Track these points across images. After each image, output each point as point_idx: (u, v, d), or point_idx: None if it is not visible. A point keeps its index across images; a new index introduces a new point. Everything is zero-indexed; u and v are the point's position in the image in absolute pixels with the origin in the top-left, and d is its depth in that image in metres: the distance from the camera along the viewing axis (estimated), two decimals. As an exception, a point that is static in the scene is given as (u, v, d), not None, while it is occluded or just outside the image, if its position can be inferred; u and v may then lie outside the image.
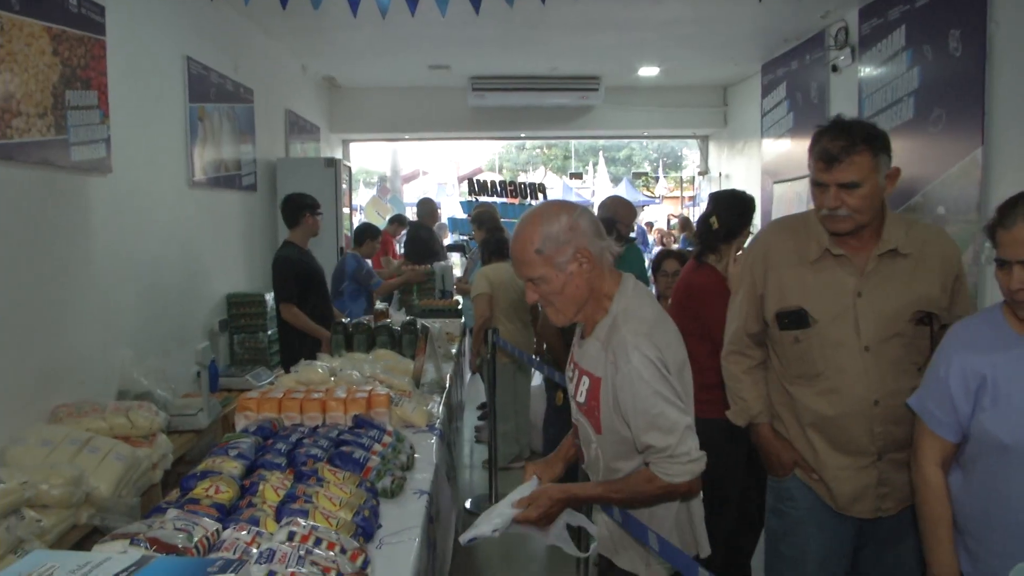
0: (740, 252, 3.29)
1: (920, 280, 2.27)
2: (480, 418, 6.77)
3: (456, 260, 9.94)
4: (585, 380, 2.01)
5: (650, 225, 18.72)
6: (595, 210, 4.92)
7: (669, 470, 1.87)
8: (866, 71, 6.33)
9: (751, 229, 3.39)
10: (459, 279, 7.51)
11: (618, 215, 4.67)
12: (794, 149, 8.12)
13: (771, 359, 2.51)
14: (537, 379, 5.75)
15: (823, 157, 2.20)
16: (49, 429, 3.32)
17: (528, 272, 1.98)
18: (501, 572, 4.18)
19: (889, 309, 2.26)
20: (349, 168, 8.78)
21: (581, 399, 2.04)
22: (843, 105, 6.85)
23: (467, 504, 4.85)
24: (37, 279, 3.52)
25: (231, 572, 1.22)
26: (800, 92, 7.90)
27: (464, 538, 2.02)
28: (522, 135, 13.48)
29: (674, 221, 15.92)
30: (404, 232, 9.42)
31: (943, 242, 2.36)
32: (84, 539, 3.00)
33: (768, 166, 8.84)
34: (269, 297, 5.84)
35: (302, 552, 1.66)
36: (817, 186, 2.25)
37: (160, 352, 4.62)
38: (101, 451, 3.23)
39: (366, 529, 2.00)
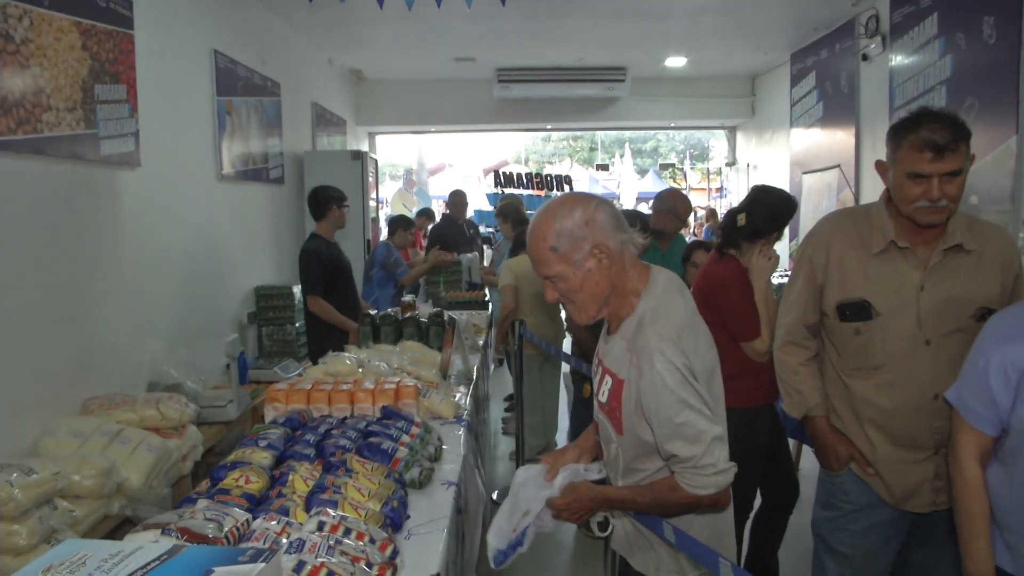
0: (763, 249, 3.23)
1: (982, 277, 2.25)
2: (507, 410, 6.77)
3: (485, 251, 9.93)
4: (608, 380, 1.93)
5: None
6: (655, 202, 4.87)
7: (693, 481, 1.78)
8: (897, 59, 6.23)
9: (779, 234, 3.31)
10: (484, 268, 7.50)
11: (676, 209, 4.68)
12: (824, 139, 8.02)
13: (826, 351, 2.49)
14: (565, 370, 5.73)
15: (931, 147, 2.13)
16: (80, 421, 3.36)
17: (544, 270, 1.87)
18: (528, 562, 4.17)
19: (951, 304, 2.24)
20: (375, 161, 8.80)
21: (603, 398, 1.96)
22: (874, 94, 6.76)
23: (494, 495, 4.85)
24: (67, 272, 3.56)
25: (261, 561, 1.22)
26: (830, 81, 7.80)
27: (494, 556, 2.00)
28: (548, 127, 13.47)
29: (701, 212, 15.80)
30: (431, 226, 9.43)
31: (1004, 241, 2.33)
32: (115, 529, 3.04)
33: (797, 156, 8.74)
34: (297, 289, 5.88)
35: (331, 542, 1.67)
36: (915, 177, 2.18)
37: (190, 344, 4.66)
38: (132, 442, 3.26)
39: (395, 520, 2.00)
